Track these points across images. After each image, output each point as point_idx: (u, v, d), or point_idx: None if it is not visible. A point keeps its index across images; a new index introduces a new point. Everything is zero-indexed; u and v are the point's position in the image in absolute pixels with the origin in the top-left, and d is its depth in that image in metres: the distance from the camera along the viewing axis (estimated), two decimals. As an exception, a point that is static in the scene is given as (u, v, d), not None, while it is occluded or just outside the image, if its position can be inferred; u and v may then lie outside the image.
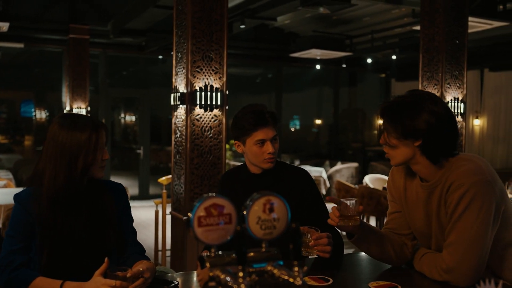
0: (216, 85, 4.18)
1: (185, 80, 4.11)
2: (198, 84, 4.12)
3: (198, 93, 4.10)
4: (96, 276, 1.67)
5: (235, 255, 1.12)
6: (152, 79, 12.00)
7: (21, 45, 8.90)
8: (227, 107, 4.27)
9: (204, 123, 4.17)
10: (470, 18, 5.38)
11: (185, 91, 4.12)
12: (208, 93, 4.13)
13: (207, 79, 4.14)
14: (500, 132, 10.14)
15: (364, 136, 13.79)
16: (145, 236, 6.80)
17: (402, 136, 1.80)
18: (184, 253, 4.18)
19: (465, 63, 5.11)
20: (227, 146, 7.35)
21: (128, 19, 7.89)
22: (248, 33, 9.33)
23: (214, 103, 4.16)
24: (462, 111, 5.22)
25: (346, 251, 2.26)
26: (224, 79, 4.21)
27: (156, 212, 5.05)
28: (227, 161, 4.48)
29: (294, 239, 1.17)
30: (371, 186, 7.14)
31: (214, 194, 1.14)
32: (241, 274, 1.07)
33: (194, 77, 4.10)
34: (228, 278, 1.07)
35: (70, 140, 1.83)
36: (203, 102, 4.12)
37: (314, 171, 9.45)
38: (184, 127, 4.16)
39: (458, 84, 5.10)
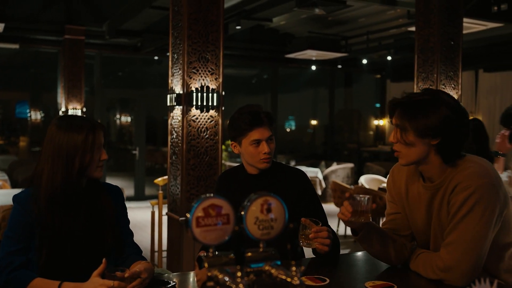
0: (212, 86, 4.18)
1: (181, 81, 4.11)
2: (194, 85, 4.12)
3: (194, 94, 4.10)
4: (94, 277, 1.68)
5: (233, 255, 1.13)
6: (148, 80, 11.99)
7: (16, 46, 8.88)
8: (223, 108, 4.27)
9: (200, 124, 4.18)
10: (464, 19, 5.40)
11: (181, 92, 4.12)
12: (204, 94, 4.14)
13: (203, 80, 4.15)
14: (494, 132, 10.17)
15: (360, 136, 13.83)
16: (141, 237, 6.79)
17: (420, 134, 1.78)
18: (181, 254, 4.18)
19: (459, 64, 5.13)
20: (223, 147, 7.34)
21: (124, 20, 7.88)
22: (243, 34, 9.34)
23: (210, 104, 4.17)
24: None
25: (342, 251, 2.27)
26: (220, 80, 4.22)
27: (152, 213, 5.05)
28: (222, 161, 4.48)
29: (291, 239, 1.18)
30: (367, 186, 7.16)
31: (212, 194, 1.15)
32: (239, 274, 1.08)
33: (190, 78, 4.11)
34: (226, 278, 1.08)
35: (67, 140, 1.84)
36: (199, 103, 4.13)
37: (310, 171, 9.47)
38: (180, 128, 4.16)
39: (453, 85, 5.12)
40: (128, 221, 2.09)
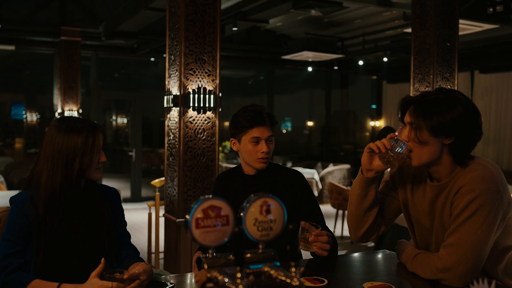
0: (209, 87, 4.18)
1: (178, 82, 4.11)
2: (191, 87, 4.12)
3: (191, 95, 4.10)
4: (92, 278, 1.68)
5: (232, 256, 1.13)
6: (144, 82, 11.98)
7: (12, 47, 8.86)
8: (220, 110, 4.27)
9: (197, 126, 4.17)
10: (460, 21, 5.43)
11: (178, 93, 4.12)
12: (201, 96, 4.14)
13: (200, 81, 4.15)
14: (490, 133, 10.23)
15: (356, 137, 13.85)
16: (138, 238, 6.78)
17: (435, 132, 1.77)
18: (178, 255, 4.18)
19: (456, 65, 5.15)
20: (220, 148, 7.34)
21: (120, 22, 7.88)
22: (240, 35, 9.35)
23: (207, 105, 4.17)
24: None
25: (339, 252, 2.27)
26: (217, 81, 4.22)
27: (149, 215, 5.04)
28: (219, 163, 4.48)
29: (290, 240, 1.18)
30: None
31: (210, 196, 1.15)
32: (239, 275, 1.08)
33: (187, 79, 4.11)
34: (226, 279, 1.08)
35: (67, 142, 1.85)
36: (196, 105, 4.13)
37: (306, 173, 9.47)
38: (177, 130, 4.16)
39: (449, 86, 5.13)
40: (125, 223, 2.10)
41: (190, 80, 4.12)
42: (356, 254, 2.30)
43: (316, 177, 9.58)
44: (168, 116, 4.36)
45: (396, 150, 1.82)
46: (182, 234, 4.14)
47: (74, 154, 1.85)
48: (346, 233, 7.18)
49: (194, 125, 4.16)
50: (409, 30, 6.05)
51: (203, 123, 4.19)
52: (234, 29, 7.67)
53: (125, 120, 11.97)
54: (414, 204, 1.96)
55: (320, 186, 9.61)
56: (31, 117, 10.91)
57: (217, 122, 4.25)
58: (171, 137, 4.29)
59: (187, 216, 1.11)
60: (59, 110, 8.78)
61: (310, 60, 10.00)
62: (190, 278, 2.01)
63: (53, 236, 1.83)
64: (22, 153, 10.86)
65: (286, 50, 9.61)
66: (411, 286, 1.86)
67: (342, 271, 2.07)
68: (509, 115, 10.01)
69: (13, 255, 1.79)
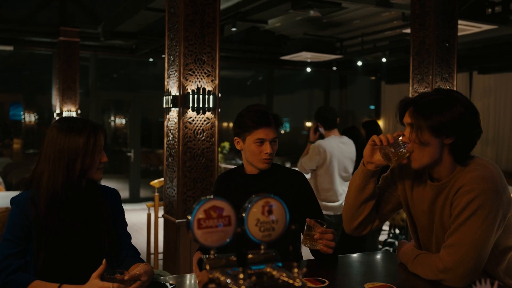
0: (209, 88, 4.18)
1: (178, 83, 4.11)
2: (191, 87, 4.12)
3: (190, 96, 4.09)
4: (93, 279, 1.68)
5: (233, 257, 1.13)
6: (143, 82, 11.97)
7: (10, 48, 8.84)
8: (219, 110, 4.27)
9: (197, 126, 4.17)
10: (459, 21, 5.42)
11: (177, 94, 4.11)
12: (201, 96, 4.13)
13: (199, 82, 4.14)
14: (489, 133, 10.23)
15: (355, 138, 13.82)
16: (137, 239, 6.77)
17: (435, 132, 1.78)
18: (177, 256, 4.17)
19: (455, 66, 5.15)
20: (218, 149, 7.32)
21: (119, 22, 7.87)
22: (239, 35, 9.35)
23: (206, 106, 4.16)
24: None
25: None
26: (217, 82, 4.21)
27: (148, 215, 5.04)
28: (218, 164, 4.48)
29: (293, 241, 1.18)
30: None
31: (212, 196, 1.15)
32: (241, 276, 1.08)
33: (187, 80, 4.10)
34: (228, 280, 1.07)
35: (69, 143, 1.85)
36: (195, 105, 4.12)
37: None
38: (176, 130, 4.16)
39: (448, 87, 5.13)
40: (125, 224, 2.10)
41: (190, 81, 4.11)
42: (356, 255, 2.30)
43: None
44: (167, 116, 4.35)
45: (396, 147, 1.83)
46: (181, 234, 4.13)
47: (76, 155, 1.85)
48: (345, 233, 7.17)
49: (194, 126, 4.16)
50: (408, 30, 6.05)
51: (203, 123, 4.19)
52: (233, 29, 7.66)
53: (123, 121, 11.95)
54: (413, 203, 1.97)
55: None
56: (30, 117, 10.90)
57: (216, 122, 4.24)
58: (170, 138, 4.29)
59: (189, 217, 1.10)
60: (58, 111, 8.77)
61: (309, 60, 9.99)
62: (189, 279, 2.01)
63: (54, 237, 1.83)
64: (21, 154, 10.84)
65: (285, 50, 9.61)
66: (412, 287, 1.86)
67: (342, 272, 2.07)
68: (508, 116, 10.02)
69: (14, 255, 1.79)
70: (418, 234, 2.00)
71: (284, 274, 1.13)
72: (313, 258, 2.18)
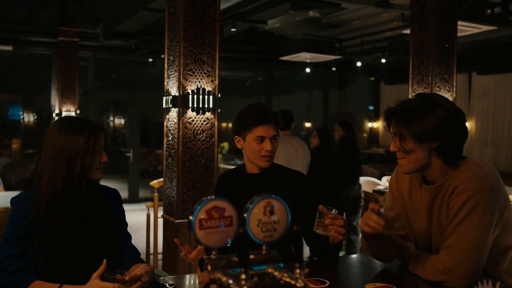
0: (208, 88, 4.17)
1: (177, 83, 4.10)
2: (190, 87, 4.11)
3: (190, 96, 4.09)
4: (93, 279, 1.67)
5: (235, 257, 1.13)
6: (142, 82, 11.96)
7: (9, 48, 8.83)
8: (219, 110, 4.27)
9: (196, 126, 4.16)
10: (459, 22, 5.43)
11: (177, 94, 4.11)
12: (200, 96, 4.13)
13: (199, 82, 4.14)
14: (488, 134, 10.24)
15: (354, 139, 13.82)
16: (136, 239, 6.74)
17: (419, 139, 1.78)
18: (176, 256, 4.17)
19: (454, 66, 5.15)
20: (218, 149, 7.33)
21: (119, 22, 7.86)
22: (238, 36, 9.34)
23: (206, 106, 4.16)
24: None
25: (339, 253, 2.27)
26: (216, 82, 4.21)
27: (148, 216, 5.03)
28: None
29: (295, 241, 1.17)
30: (362, 188, 7.15)
31: (213, 197, 1.14)
32: (243, 276, 1.07)
33: (186, 80, 4.10)
34: (230, 281, 1.07)
35: (69, 143, 1.84)
36: (195, 105, 4.12)
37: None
38: (176, 130, 4.15)
39: (447, 87, 5.14)
40: (126, 224, 2.10)
41: (189, 81, 4.11)
42: (357, 255, 2.30)
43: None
44: (167, 116, 4.34)
45: (390, 228, 1.85)
46: (181, 235, 4.13)
47: (76, 154, 1.85)
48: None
49: (193, 126, 4.15)
50: (407, 31, 6.05)
51: (202, 124, 4.18)
52: (233, 29, 7.66)
53: (122, 121, 11.94)
54: (412, 209, 1.97)
55: (318, 187, 9.59)
56: (29, 117, 10.88)
57: (216, 123, 4.24)
58: (170, 138, 4.28)
59: (191, 217, 1.10)
60: (57, 111, 8.76)
61: (308, 61, 9.99)
62: (189, 280, 2.00)
63: (54, 237, 1.82)
64: (20, 154, 10.82)
65: (284, 51, 9.61)
66: (413, 287, 1.86)
67: (343, 272, 2.07)
68: (507, 117, 10.03)
69: (14, 256, 1.79)
70: (417, 240, 2.00)
71: (286, 275, 1.13)
72: (313, 258, 2.18)
